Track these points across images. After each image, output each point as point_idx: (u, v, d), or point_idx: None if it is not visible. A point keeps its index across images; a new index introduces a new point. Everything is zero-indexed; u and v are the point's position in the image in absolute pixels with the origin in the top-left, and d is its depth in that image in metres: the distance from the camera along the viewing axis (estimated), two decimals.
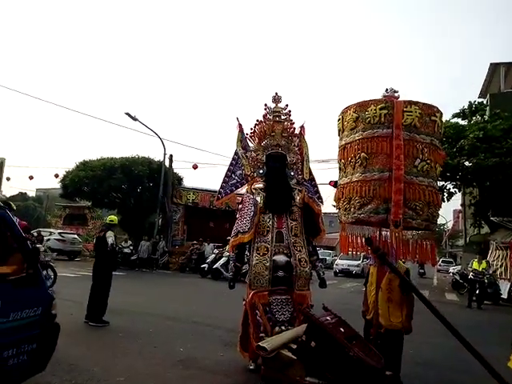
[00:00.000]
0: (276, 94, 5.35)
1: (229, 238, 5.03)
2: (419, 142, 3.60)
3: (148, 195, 20.19)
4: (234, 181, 5.58)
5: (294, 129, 5.30)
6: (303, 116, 6.41)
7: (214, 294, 10.52)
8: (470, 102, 17.94)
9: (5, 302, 2.86)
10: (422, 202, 3.58)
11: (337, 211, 4.14)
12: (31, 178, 27.54)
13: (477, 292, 12.41)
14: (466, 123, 17.31)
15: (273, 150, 5.07)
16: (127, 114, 18.89)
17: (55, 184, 22.85)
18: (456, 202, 30.82)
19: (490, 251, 16.46)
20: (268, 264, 4.44)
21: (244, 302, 4.45)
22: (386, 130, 3.60)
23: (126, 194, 20.76)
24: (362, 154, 3.69)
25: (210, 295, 10.68)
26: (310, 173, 5.59)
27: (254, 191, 4.97)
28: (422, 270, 26.84)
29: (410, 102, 3.63)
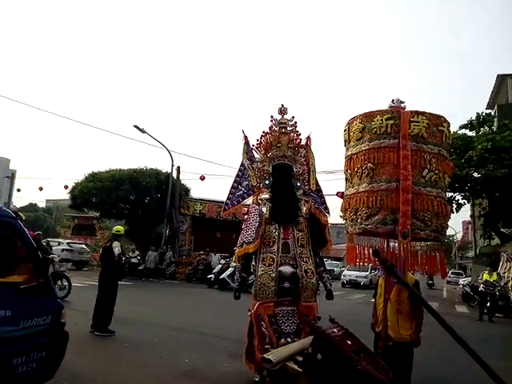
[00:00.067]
0: (282, 105, 5.38)
1: (235, 248, 5.03)
2: (427, 152, 3.57)
3: (155, 206, 20.31)
4: (241, 192, 5.58)
5: (301, 140, 5.31)
6: (310, 127, 6.46)
7: (220, 305, 10.45)
8: (477, 113, 17.88)
9: (15, 310, 2.91)
10: (431, 213, 3.54)
11: (344, 222, 4.11)
12: (41, 189, 27.98)
13: (488, 304, 12.17)
14: (473, 134, 17.22)
15: (279, 161, 5.08)
16: (135, 126, 19.11)
17: (65, 195, 23.16)
18: (465, 213, 30.47)
19: (501, 263, 16.19)
20: (274, 275, 4.40)
21: (249, 313, 4.41)
22: (393, 140, 3.58)
23: (133, 205, 20.93)
24: (369, 164, 3.67)
25: (217, 306, 10.60)
26: (317, 184, 5.58)
27: (260, 202, 4.97)
28: (430, 281, 26.46)
29: (417, 112, 3.62)
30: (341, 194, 14.83)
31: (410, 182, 3.49)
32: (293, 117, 5.31)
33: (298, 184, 5.12)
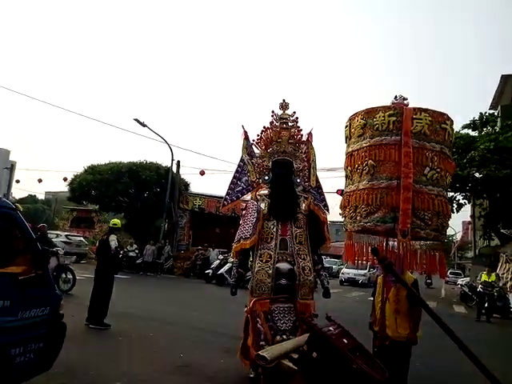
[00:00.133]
0: (283, 100, 5.31)
1: (233, 244, 4.99)
2: (429, 149, 3.52)
3: (155, 200, 20.25)
4: (240, 187, 5.52)
5: (302, 136, 5.25)
6: (311, 123, 6.38)
7: (217, 300, 10.42)
8: (480, 113, 17.80)
9: (13, 301, 2.92)
10: (431, 212, 3.50)
11: (343, 219, 4.06)
12: (40, 180, 27.87)
13: (486, 305, 12.15)
14: (476, 134, 17.13)
15: (279, 157, 5.02)
16: (136, 119, 19.01)
17: (64, 187, 23.09)
18: (465, 213, 30.41)
19: (500, 264, 16.16)
20: (270, 271, 4.36)
21: (246, 309, 4.37)
22: (395, 137, 3.53)
23: (132, 199, 20.86)
24: (370, 161, 3.62)
25: (214, 301, 10.58)
26: (317, 180, 5.52)
27: (258, 197, 4.93)
28: (429, 281, 26.47)
29: (420, 109, 3.57)
30: (340, 192, 14.77)
31: (412, 180, 3.44)
32: (294, 112, 5.24)
33: (298, 180, 5.05)
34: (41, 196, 58.65)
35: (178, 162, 20.77)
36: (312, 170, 5.25)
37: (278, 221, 4.67)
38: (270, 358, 3.23)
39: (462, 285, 19.12)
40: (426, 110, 3.56)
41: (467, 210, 24.47)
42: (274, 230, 4.62)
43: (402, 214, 3.40)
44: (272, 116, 5.20)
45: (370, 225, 3.55)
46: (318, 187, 5.56)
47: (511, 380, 3.10)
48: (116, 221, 7.01)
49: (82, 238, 21.15)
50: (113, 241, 6.47)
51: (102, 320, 6.21)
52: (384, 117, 3.58)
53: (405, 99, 3.81)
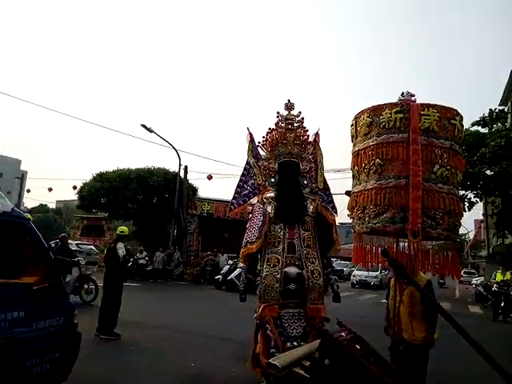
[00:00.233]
0: (288, 101, 5.24)
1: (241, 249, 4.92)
2: (438, 146, 3.40)
3: (163, 206, 20.27)
4: (247, 191, 5.47)
5: (308, 136, 5.17)
6: (319, 123, 6.29)
7: (227, 306, 10.34)
8: (490, 109, 17.48)
9: (28, 311, 2.92)
10: (442, 211, 3.37)
11: (351, 221, 3.95)
12: (50, 189, 28.16)
13: (502, 304, 11.87)
14: (486, 131, 16.85)
15: (285, 158, 4.94)
16: (143, 125, 19.10)
17: (74, 196, 23.25)
18: (477, 211, 29.96)
19: None
20: (279, 276, 4.27)
21: (255, 315, 4.28)
22: (402, 134, 3.42)
23: (141, 205, 20.90)
24: (377, 160, 3.51)
25: (224, 307, 10.50)
26: (325, 182, 5.43)
27: (265, 200, 4.85)
28: (442, 281, 26.03)
29: (428, 105, 3.45)
30: (349, 193, 14.61)
31: (421, 179, 3.33)
32: (300, 112, 5.17)
33: (305, 182, 4.98)
34: (52, 205, 59.37)
35: (186, 167, 20.80)
36: (319, 171, 5.17)
37: (285, 224, 4.59)
38: (281, 366, 3.13)
39: (476, 284, 18.80)
40: (433, 106, 3.44)
41: (479, 208, 24.10)
42: (282, 233, 4.53)
43: (412, 214, 3.29)
44: (277, 117, 5.14)
45: (379, 225, 3.44)
46: (326, 188, 5.47)
47: None
48: (123, 228, 6.98)
49: (92, 247, 21.21)
50: (120, 249, 6.43)
51: (112, 330, 6.17)
52: (391, 114, 3.47)
53: (412, 95, 3.70)
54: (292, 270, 4.31)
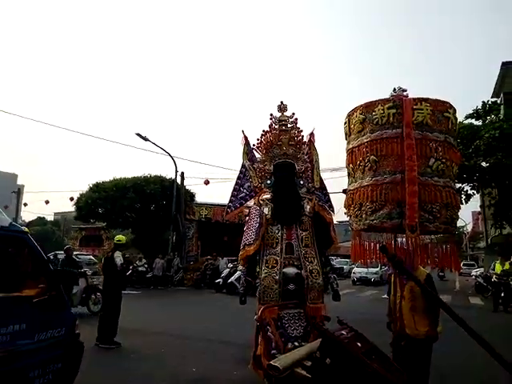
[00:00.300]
0: (281, 102, 5.26)
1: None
2: (432, 140, 3.39)
3: (161, 213, 20.21)
4: (243, 194, 5.47)
5: (302, 137, 5.19)
6: (316, 123, 6.30)
7: (228, 310, 10.29)
8: (483, 101, 17.52)
9: (29, 323, 2.95)
10: (439, 204, 3.36)
11: (347, 219, 3.94)
12: (47, 202, 28.20)
13: (502, 295, 11.89)
14: (480, 123, 16.91)
15: (280, 160, 4.94)
16: (138, 134, 19.05)
17: (71, 207, 23.16)
18: (474, 203, 30.05)
19: None
20: (277, 277, 4.25)
21: (255, 317, 4.25)
22: (396, 130, 3.41)
23: (139, 213, 20.83)
24: (372, 156, 3.50)
25: (225, 310, 10.44)
26: (321, 181, 5.44)
27: (261, 202, 4.84)
28: (441, 274, 26.04)
29: (420, 99, 3.44)
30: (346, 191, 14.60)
31: (416, 173, 3.31)
32: (293, 113, 5.19)
33: (301, 182, 4.99)
34: (50, 217, 59.04)
35: (182, 173, 20.75)
36: (315, 171, 5.18)
37: (283, 225, 4.58)
38: (282, 367, 3.11)
39: (476, 276, 18.80)
40: (426, 100, 3.44)
41: (476, 200, 24.17)
42: (279, 234, 4.52)
43: (409, 209, 3.27)
44: (271, 119, 5.16)
45: (377, 222, 3.42)
46: (323, 188, 5.48)
47: None
48: (120, 237, 6.94)
49: (91, 257, 21.13)
50: (118, 257, 6.39)
51: (112, 338, 6.12)
52: (383, 110, 3.46)
53: (404, 91, 3.69)
54: (291, 270, 4.30)
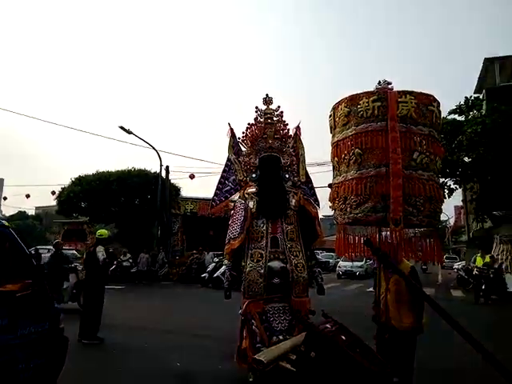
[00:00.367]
0: (267, 95, 5.22)
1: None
2: (416, 133, 3.39)
3: (146, 207, 19.99)
4: (228, 187, 5.42)
5: (288, 130, 5.16)
6: (303, 116, 6.26)
7: (214, 304, 10.21)
8: (466, 97, 17.82)
9: (12, 318, 2.93)
10: (423, 198, 3.37)
11: (332, 212, 3.93)
12: (28, 196, 27.50)
13: (483, 287, 12.18)
14: (463, 119, 17.17)
15: (265, 153, 4.91)
16: (121, 127, 18.73)
17: (53, 201, 22.72)
18: (457, 198, 30.64)
19: (494, 245, 16.24)
20: (262, 271, 4.23)
21: (240, 311, 4.23)
22: (381, 123, 3.40)
23: (123, 208, 20.56)
24: (356, 149, 3.49)
25: (210, 305, 10.38)
26: (307, 175, 5.42)
27: (246, 196, 4.80)
28: (424, 267, 26.54)
29: (405, 92, 3.43)
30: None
31: (401, 166, 3.32)
32: (278, 106, 5.16)
33: (287, 176, 4.97)
34: (31, 211, 57.83)
35: (167, 167, 20.52)
36: (301, 165, 5.15)
37: (268, 219, 4.55)
38: (267, 361, 3.09)
39: (458, 269, 19.20)
40: (411, 93, 3.43)
41: (459, 194, 24.62)
42: (264, 228, 4.49)
43: (393, 202, 3.28)
44: (256, 112, 5.11)
45: (361, 215, 3.41)
46: (308, 182, 5.46)
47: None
48: (102, 231, 6.80)
49: (74, 251, 20.80)
50: (100, 252, 6.26)
51: (95, 334, 6.01)
52: (368, 103, 3.44)
53: (389, 84, 3.68)
54: (276, 264, 4.29)
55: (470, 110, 17.49)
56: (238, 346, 4.40)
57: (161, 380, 4.38)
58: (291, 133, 5.20)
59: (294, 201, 4.70)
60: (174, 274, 18.41)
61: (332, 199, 3.78)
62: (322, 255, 26.50)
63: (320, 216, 5.17)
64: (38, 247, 18.41)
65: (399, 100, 3.39)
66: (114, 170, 21.00)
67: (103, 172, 21.02)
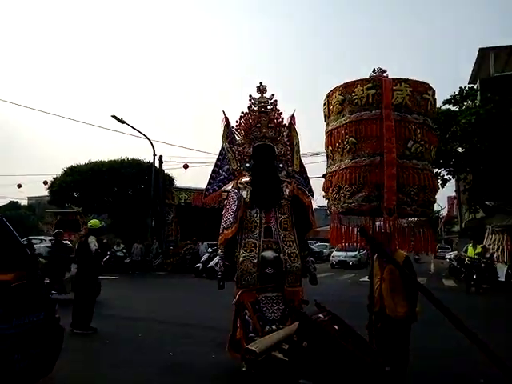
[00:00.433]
0: (260, 83, 5.14)
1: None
2: (411, 122, 3.35)
3: (139, 197, 19.89)
4: (222, 176, 5.36)
5: (282, 119, 5.10)
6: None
7: (208, 294, 10.16)
8: (460, 87, 17.75)
9: (6, 308, 2.91)
10: (417, 187, 3.35)
11: (326, 202, 3.90)
12: (19, 186, 27.10)
13: (474, 277, 12.32)
14: (457, 109, 17.16)
15: (259, 142, 4.85)
16: (114, 116, 18.51)
17: (46, 191, 22.51)
18: (450, 188, 30.87)
19: (486, 235, 16.40)
20: (256, 260, 4.21)
21: (233, 301, 4.22)
22: (375, 111, 3.34)
23: (116, 198, 20.44)
24: (351, 138, 3.44)
25: (204, 295, 10.35)
26: (301, 165, 5.38)
27: (240, 186, 4.76)
28: (417, 256, 26.81)
29: (400, 80, 3.38)
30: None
31: (395, 155, 3.28)
32: (272, 95, 5.09)
33: (281, 165, 4.93)
34: (23, 202, 57.29)
35: (161, 156, 20.37)
36: (295, 154, 5.11)
37: (261, 209, 4.52)
38: (259, 350, 3.09)
39: (450, 259, 19.43)
40: (406, 81, 3.38)
41: (452, 185, 24.80)
42: (258, 218, 4.46)
43: (387, 192, 3.25)
44: (250, 100, 5.04)
45: (355, 205, 3.38)
46: (302, 171, 5.42)
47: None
48: (93, 222, 6.71)
49: (67, 242, 20.68)
50: (92, 242, 6.20)
51: (88, 324, 5.99)
52: (363, 90, 3.39)
53: (384, 72, 3.63)
54: (269, 253, 4.27)
55: (464, 100, 17.46)
56: (230, 335, 4.40)
57: (154, 370, 4.36)
58: (286, 122, 5.15)
59: (287, 190, 4.67)
60: (168, 264, 18.40)
61: (326, 188, 3.74)
62: (315, 245, 26.64)
63: (314, 206, 5.14)
64: (31, 237, 18.27)
65: (394, 88, 3.34)
66: (106, 160, 20.85)
67: (96, 162, 20.85)
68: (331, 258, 23.00)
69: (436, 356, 4.99)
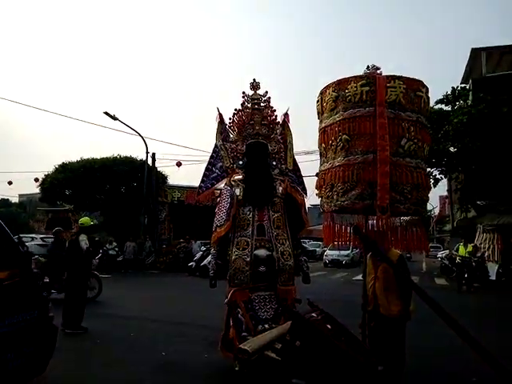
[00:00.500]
0: (254, 80, 5.10)
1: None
2: (405, 119, 3.34)
3: (132, 195, 19.75)
4: (215, 174, 5.31)
5: (276, 116, 5.06)
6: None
7: (201, 293, 10.13)
8: (453, 87, 17.87)
9: None
10: (411, 185, 3.34)
11: (319, 200, 3.87)
12: (10, 183, 26.85)
13: (465, 276, 12.41)
14: (449, 109, 17.27)
15: (253, 140, 4.82)
16: (106, 113, 18.34)
17: (37, 189, 22.26)
18: (442, 188, 31.11)
19: (477, 234, 16.53)
20: (248, 259, 4.17)
21: (226, 300, 4.18)
22: (369, 108, 3.33)
23: (108, 195, 20.28)
24: (344, 136, 3.42)
25: (197, 294, 10.32)
26: (295, 163, 5.35)
27: (233, 183, 4.72)
28: (408, 255, 26.97)
29: (393, 77, 3.37)
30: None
31: (388, 153, 3.27)
32: (266, 92, 5.05)
33: (274, 163, 4.90)
34: (14, 199, 56.65)
35: (154, 154, 20.25)
36: (289, 152, 5.08)
37: (254, 207, 4.48)
38: (252, 350, 3.06)
39: (441, 258, 19.56)
40: (399, 78, 3.37)
41: (444, 184, 24.99)
42: (250, 216, 4.43)
43: (380, 190, 3.23)
44: (243, 97, 5.00)
45: (348, 203, 3.37)
46: (296, 170, 5.40)
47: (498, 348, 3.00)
48: (84, 220, 6.62)
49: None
50: (83, 241, 6.11)
51: (79, 324, 5.91)
52: (356, 87, 3.37)
53: (377, 69, 3.61)
54: (262, 252, 4.24)
55: (456, 100, 17.58)
56: (222, 334, 4.36)
57: (146, 369, 4.31)
58: (279, 120, 5.11)
59: (280, 188, 4.64)
60: (161, 262, 18.32)
61: (319, 186, 3.72)
62: (308, 244, 26.67)
63: (308, 205, 5.12)
64: (21, 235, 18.03)
65: (388, 85, 3.33)
66: (98, 157, 20.69)
67: (88, 159, 20.66)
68: (324, 257, 23.04)
69: (429, 355, 4.99)
